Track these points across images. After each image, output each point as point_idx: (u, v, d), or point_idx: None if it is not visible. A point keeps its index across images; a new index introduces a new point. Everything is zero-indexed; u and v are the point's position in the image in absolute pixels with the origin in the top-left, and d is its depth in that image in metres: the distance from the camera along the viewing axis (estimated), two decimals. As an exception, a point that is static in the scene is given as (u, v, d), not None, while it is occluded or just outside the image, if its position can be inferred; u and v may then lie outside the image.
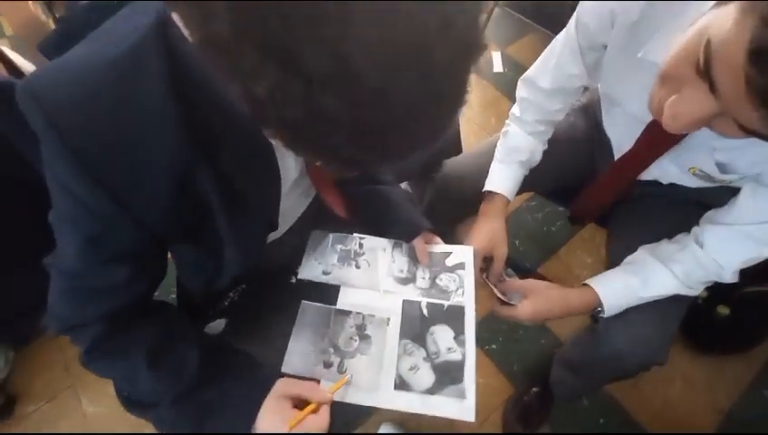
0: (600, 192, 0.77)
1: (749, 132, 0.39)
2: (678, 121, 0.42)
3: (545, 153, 0.77)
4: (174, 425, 0.46)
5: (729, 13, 0.36)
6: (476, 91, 1.65)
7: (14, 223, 0.86)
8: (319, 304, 0.61)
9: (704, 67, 0.38)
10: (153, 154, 0.35)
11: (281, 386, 0.48)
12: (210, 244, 0.46)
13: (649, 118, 0.59)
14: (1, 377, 1.04)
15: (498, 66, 1.71)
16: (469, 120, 1.55)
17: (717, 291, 0.62)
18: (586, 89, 0.76)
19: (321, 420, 0.46)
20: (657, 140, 0.61)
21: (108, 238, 0.39)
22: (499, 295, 0.64)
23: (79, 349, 0.45)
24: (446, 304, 0.61)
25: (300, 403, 0.48)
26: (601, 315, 0.65)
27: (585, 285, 0.65)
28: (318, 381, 0.51)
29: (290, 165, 0.50)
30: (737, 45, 0.34)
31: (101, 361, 0.45)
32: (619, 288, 0.63)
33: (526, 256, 1.27)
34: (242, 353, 0.52)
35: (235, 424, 0.46)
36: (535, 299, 0.63)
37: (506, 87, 1.63)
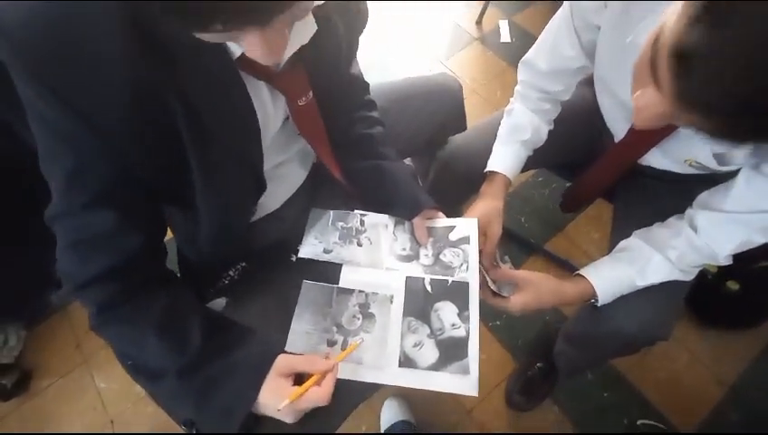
0: (596, 177, 0.75)
1: (701, 133, 0.37)
2: (641, 116, 0.41)
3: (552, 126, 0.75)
4: (178, 398, 0.47)
5: (678, 6, 0.33)
6: (481, 62, 1.59)
7: (20, 203, 0.86)
8: (321, 284, 0.61)
9: (651, 61, 0.36)
10: (109, 67, 0.35)
11: (280, 364, 0.47)
12: (187, 191, 0.46)
13: None
14: (14, 354, 1.07)
15: (505, 36, 1.64)
16: (473, 93, 1.50)
17: (727, 266, 0.60)
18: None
19: (324, 391, 0.46)
20: (646, 132, 0.59)
21: (86, 172, 0.40)
22: (491, 285, 0.62)
23: (88, 311, 0.46)
24: (450, 279, 0.60)
25: (301, 380, 0.48)
26: (596, 305, 0.64)
27: (578, 274, 0.64)
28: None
29: (269, 110, 0.48)
30: (668, 44, 0.33)
31: (111, 326, 0.46)
32: (613, 278, 0.62)
33: (532, 233, 1.25)
34: (245, 328, 0.52)
35: (239, 397, 0.46)
36: (527, 292, 0.62)
37: (513, 58, 1.56)
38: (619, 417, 1.03)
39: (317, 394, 0.45)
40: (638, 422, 1.01)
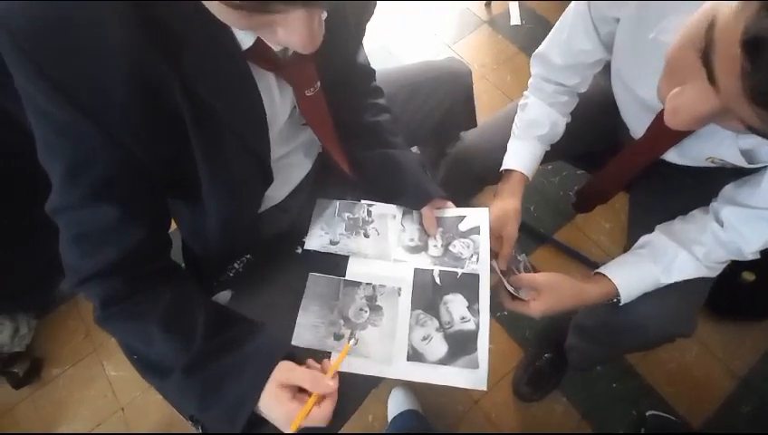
0: (610, 177, 0.72)
1: (755, 132, 0.34)
2: (678, 117, 0.38)
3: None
4: (184, 396, 0.46)
5: None
6: (491, 46, 1.54)
7: (28, 192, 0.85)
8: (327, 276, 0.60)
9: (704, 53, 0.33)
10: (112, 58, 0.34)
11: (280, 374, 0.45)
12: (193, 184, 0.45)
13: (660, 106, 0.54)
14: (25, 343, 1.08)
15: (516, 18, 1.58)
16: (482, 79, 1.46)
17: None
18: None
19: (323, 413, 0.44)
20: (666, 131, 0.56)
21: (87, 166, 0.39)
22: (509, 289, 0.61)
23: (93, 305, 0.45)
24: (460, 271, 0.59)
25: (300, 390, 0.46)
26: (618, 304, 0.61)
27: (599, 273, 0.62)
28: (329, 355, 0.50)
29: (277, 101, 0.47)
30: (735, 32, 0.30)
31: (116, 320, 0.45)
32: (636, 276, 0.60)
33: (541, 222, 1.23)
34: (252, 323, 0.51)
35: (242, 398, 0.45)
36: (548, 297, 0.60)
37: (524, 41, 1.51)
38: (628, 408, 1.02)
39: (317, 415, 0.44)
40: (647, 413, 1.00)
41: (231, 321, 0.50)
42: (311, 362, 0.48)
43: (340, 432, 0.54)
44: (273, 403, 0.44)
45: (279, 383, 0.45)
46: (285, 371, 0.46)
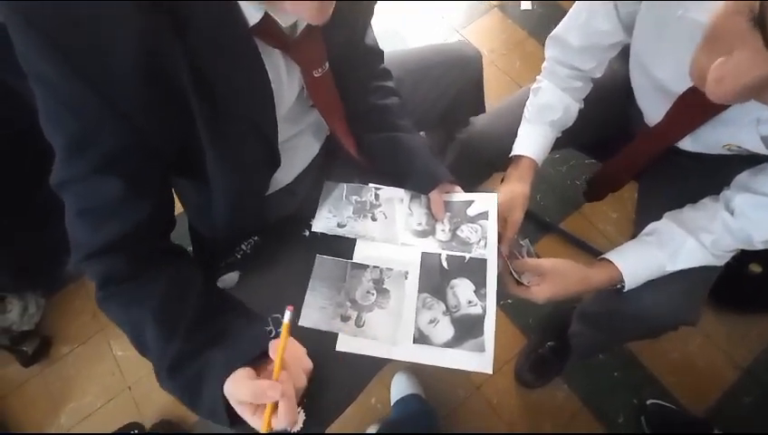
0: (623, 165, 0.71)
1: None
2: (723, 87, 0.36)
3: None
4: (175, 393, 0.44)
5: None
6: (500, 31, 1.51)
7: (34, 171, 0.85)
8: (334, 258, 0.60)
9: (758, 16, 0.31)
10: (117, 32, 0.34)
11: (228, 387, 0.40)
12: (200, 164, 0.44)
13: (679, 90, 0.53)
14: (33, 322, 1.09)
15: (526, 3, 1.55)
16: (491, 64, 1.43)
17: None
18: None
19: (283, 418, 0.39)
20: (686, 116, 0.55)
21: (91, 138, 0.38)
22: (514, 275, 0.60)
23: (95, 285, 0.44)
24: (468, 256, 0.59)
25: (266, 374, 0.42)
26: (622, 290, 0.61)
27: (604, 259, 0.61)
28: (335, 336, 0.50)
29: (284, 81, 0.46)
30: None
31: (111, 303, 0.44)
32: (642, 263, 0.59)
33: (547, 211, 1.22)
34: (235, 320, 0.47)
35: (216, 396, 0.41)
36: (553, 282, 0.60)
37: (535, 26, 1.48)
38: (629, 397, 1.03)
39: (279, 423, 0.39)
40: (648, 402, 1.01)
41: (216, 314, 0.47)
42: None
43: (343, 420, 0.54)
44: (233, 410, 0.41)
45: (233, 399, 0.40)
46: (232, 383, 0.40)
